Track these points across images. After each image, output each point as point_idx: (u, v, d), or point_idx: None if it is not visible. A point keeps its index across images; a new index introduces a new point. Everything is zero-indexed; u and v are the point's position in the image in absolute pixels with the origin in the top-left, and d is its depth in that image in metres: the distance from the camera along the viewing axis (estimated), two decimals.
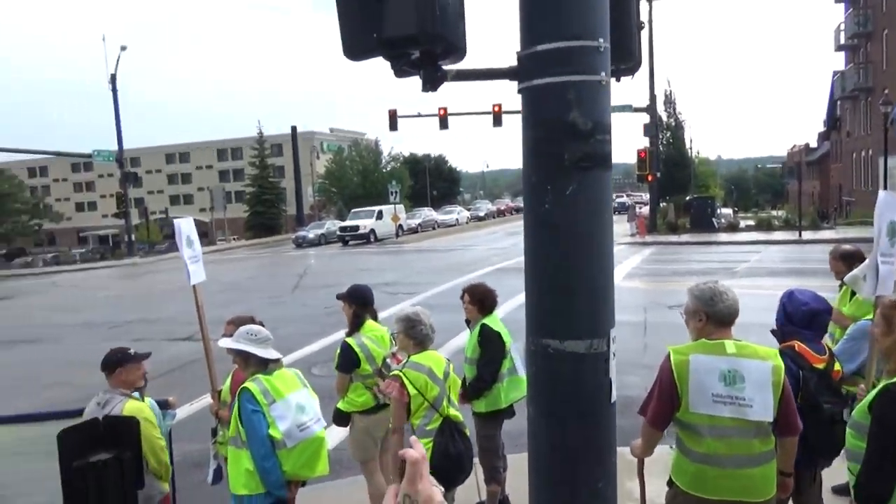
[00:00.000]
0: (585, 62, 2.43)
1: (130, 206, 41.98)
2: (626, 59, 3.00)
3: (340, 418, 4.99)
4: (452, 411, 4.09)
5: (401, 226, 40.26)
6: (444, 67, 2.59)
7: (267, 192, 63.46)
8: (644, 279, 16.46)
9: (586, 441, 2.40)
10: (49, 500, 4.66)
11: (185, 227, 4.97)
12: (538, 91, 2.46)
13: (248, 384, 3.63)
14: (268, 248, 44.06)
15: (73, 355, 12.16)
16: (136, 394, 4.09)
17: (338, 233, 39.60)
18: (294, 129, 62.57)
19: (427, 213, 49.48)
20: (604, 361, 2.37)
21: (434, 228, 46.20)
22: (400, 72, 2.65)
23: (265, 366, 3.71)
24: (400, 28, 2.38)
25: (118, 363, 4.04)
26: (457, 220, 50.75)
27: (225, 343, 3.80)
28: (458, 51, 2.57)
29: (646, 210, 36.49)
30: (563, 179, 2.39)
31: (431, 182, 78.28)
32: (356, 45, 2.52)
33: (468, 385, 4.80)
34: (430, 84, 2.63)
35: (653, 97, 32.55)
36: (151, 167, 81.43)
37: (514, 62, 2.61)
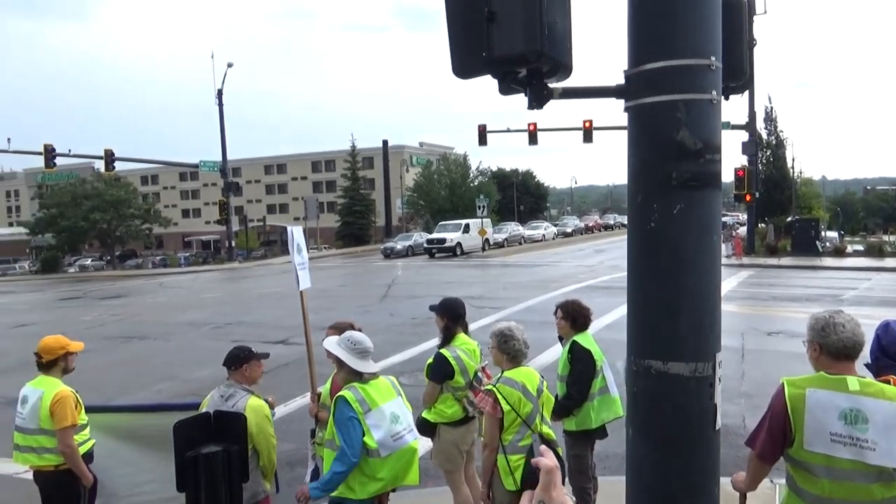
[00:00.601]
0: (696, 81, 2.40)
1: (231, 214, 44.18)
2: (736, 76, 2.94)
3: (426, 428, 5.04)
4: (545, 428, 4.07)
5: (487, 240, 40.34)
6: (551, 85, 2.62)
7: (357, 203, 65.22)
8: (741, 303, 15.74)
9: (688, 468, 2.34)
10: (165, 484, 5.00)
11: (297, 234, 5.20)
12: (646, 109, 2.45)
13: (344, 392, 3.73)
14: (357, 257, 45.22)
15: (180, 352, 12.94)
16: (254, 391, 4.30)
17: (425, 245, 40.13)
18: (385, 143, 64.13)
19: (514, 228, 49.34)
20: (709, 386, 2.31)
21: (520, 243, 46.01)
22: (506, 90, 2.70)
23: (358, 376, 3.79)
24: (508, 47, 2.43)
25: (245, 360, 4.25)
26: (543, 235, 50.32)
27: (328, 343, 3.91)
28: (565, 69, 2.60)
29: (743, 231, 34.93)
30: (669, 198, 2.37)
31: (518, 197, 78.04)
32: (466, 65, 2.59)
33: (557, 402, 4.76)
34: (537, 102, 2.67)
35: (752, 114, 31.22)
36: (251, 177, 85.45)
37: (619, 80, 2.61)
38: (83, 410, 4.60)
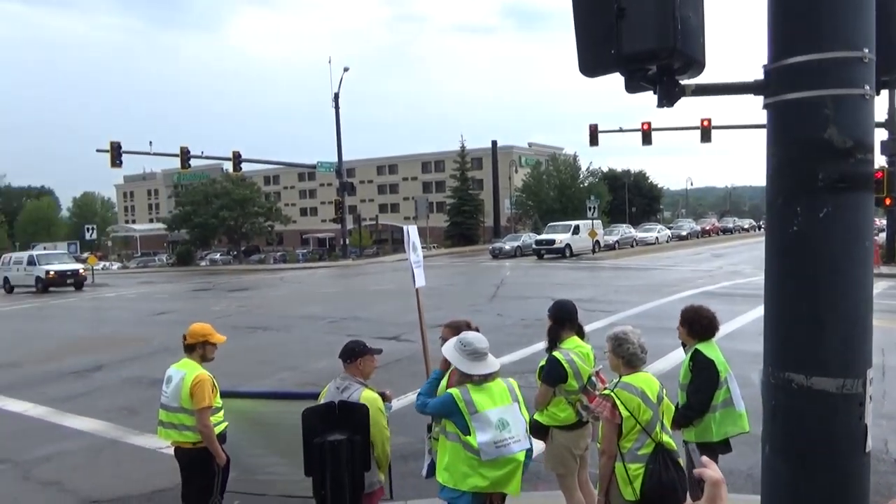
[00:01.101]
0: (846, 74, 2.24)
1: (346, 213, 45.88)
2: (891, 69, 2.70)
3: (538, 431, 5.00)
4: (666, 438, 3.93)
5: (597, 242, 39.45)
6: (682, 82, 2.53)
7: (466, 203, 65.82)
8: (881, 316, 14.38)
9: (832, 493, 2.17)
10: (293, 467, 5.28)
11: (413, 233, 5.32)
12: (789, 106, 2.31)
13: (452, 390, 3.79)
14: (465, 257, 45.60)
15: (300, 344, 13.61)
16: (368, 383, 4.47)
17: (533, 246, 39.84)
18: (494, 143, 64.25)
19: (625, 230, 47.96)
20: (858, 404, 2.14)
21: (632, 246, 44.65)
22: (634, 87, 2.63)
23: (469, 378, 3.81)
24: (639, 43, 2.36)
25: (359, 354, 4.40)
26: (657, 238, 48.57)
27: (444, 349, 4.01)
28: (698, 65, 2.50)
29: (882, 237, 32.06)
30: (815, 201, 2.22)
31: (630, 198, 75.74)
32: (593, 62, 2.55)
33: (677, 411, 4.58)
34: (667, 100, 2.58)
35: (892, 110, 28.56)
36: (364, 178, 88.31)
37: (756, 75, 2.47)
38: (219, 394, 4.94)
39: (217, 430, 4.83)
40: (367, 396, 4.17)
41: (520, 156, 78.78)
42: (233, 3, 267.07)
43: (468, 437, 3.67)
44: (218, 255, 64.41)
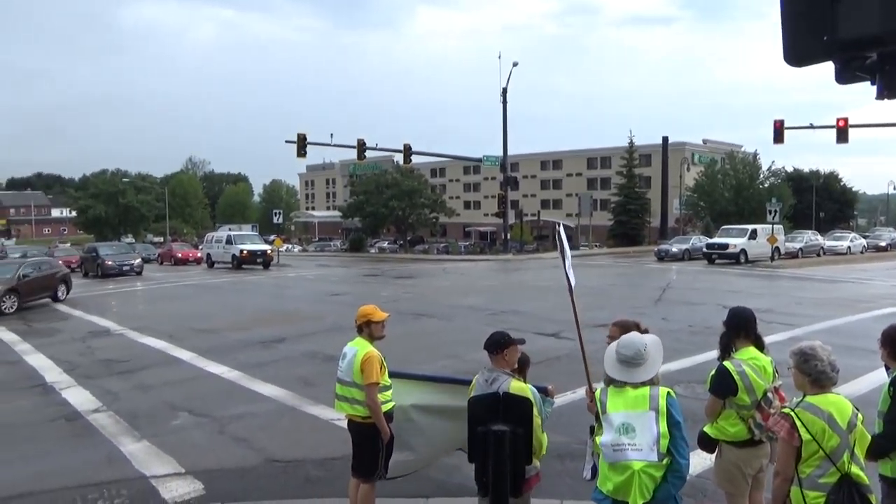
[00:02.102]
0: None
1: (508, 207, 46.18)
2: None
3: (706, 443, 4.73)
4: (855, 469, 3.54)
5: (777, 248, 36.30)
6: None
7: (632, 202, 63.44)
8: None
9: None
10: (452, 453, 5.47)
11: (563, 232, 5.27)
12: None
13: (598, 389, 3.90)
14: (628, 258, 44.10)
15: (461, 333, 14.00)
16: (515, 374, 4.51)
17: (704, 249, 37.55)
18: (665, 139, 61.25)
19: (811, 238, 43.67)
20: None
21: (818, 255, 40.55)
22: (849, 77, 2.41)
23: (612, 379, 3.81)
24: (860, 28, 2.16)
25: (505, 344, 4.47)
26: (848, 248, 43.65)
27: (609, 348, 3.98)
28: None
29: None
30: None
31: (819, 202, 68.87)
32: (801, 50, 2.36)
33: (872, 440, 4.12)
34: (889, 91, 2.35)
35: None
36: (528, 172, 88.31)
37: None
38: (387, 373, 5.22)
39: (385, 407, 5.11)
40: (516, 387, 4.19)
41: (693, 153, 74.47)
42: (413, 3, 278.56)
43: (597, 436, 3.76)
44: (386, 244, 67.79)
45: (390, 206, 61.03)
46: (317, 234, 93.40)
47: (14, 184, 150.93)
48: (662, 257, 39.64)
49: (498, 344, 4.47)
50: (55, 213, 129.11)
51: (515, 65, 44.47)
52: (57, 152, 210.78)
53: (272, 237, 53.07)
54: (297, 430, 8.03)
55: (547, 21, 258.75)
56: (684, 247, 40.71)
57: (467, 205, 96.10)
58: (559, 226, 5.18)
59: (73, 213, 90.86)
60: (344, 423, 5.51)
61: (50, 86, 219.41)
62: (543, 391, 4.93)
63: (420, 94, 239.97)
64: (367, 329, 5.25)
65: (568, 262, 5.04)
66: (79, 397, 9.66)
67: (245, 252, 36.39)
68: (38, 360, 12.36)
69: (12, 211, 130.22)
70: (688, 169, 64.59)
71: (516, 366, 4.58)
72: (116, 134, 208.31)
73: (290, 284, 27.47)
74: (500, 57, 62.36)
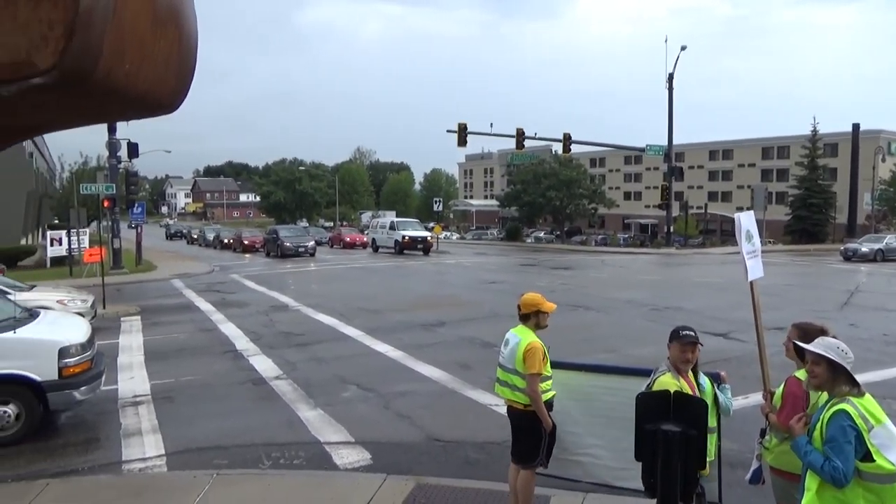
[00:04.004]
0: None
1: (672, 199, 44.02)
2: None
3: None
4: None
5: None
6: None
7: (814, 195, 57.71)
8: None
9: None
10: (609, 451, 5.42)
11: (746, 220, 4.91)
12: None
13: (843, 405, 3.27)
14: (808, 256, 40.32)
15: (620, 327, 13.69)
16: (673, 369, 4.35)
17: None
18: (856, 127, 55.02)
19: None
20: None
21: None
22: None
23: (855, 387, 3.33)
24: None
25: (671, 338, 4.38)
26: None
27: (817, 346, 3.45)
28: None
29: None
30: None
31: None
32: None
33: None
34: None
35: None
36: (694, 163, 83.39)
37: None
38: (549, 363, 5.27)
39: (545, 397, 5.15)
40: (663, 381, 4.02)
41: (889, 142, 66.14)
42: None
43: (870, 462, 3.14)
44: (542, 234, 67.47)
45: (548, 195, 60.51)
46: (474, 223, 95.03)
47: (210, 171, 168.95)
48: (850, 257, 35.75)
49: (670, 336, 4.42)
50: (242, 197, 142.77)
51: (683, 49, 42.20)
52: (245, 142, 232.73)
53: (432, 224, 54.83)
54: (456, 412, 8.32)
55: (718, 2, 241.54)
56: (877, 246, 36.40)
57: (627, 196, 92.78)
58: (740, 215, 4.84)
59: (257, 199, 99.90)
60: (502, 409, 5.64)
61: (240, 82, 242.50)
62: (716, 377, 4.75)
63: (580, 82, 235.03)
64: (536, 318, 5.30)
65: (751, 254, 4.76)
66: (263, 364, 10.71)
67: (407, 238, 38.01)
68: (230, 329, 13.84)
69: (208, 195, 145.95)
70: (882, 160, 57.50)
71: (679, 364, 4.43)
72: (295, 125, 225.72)
73: (449, 271, 28.28)
74: (666, 41, 59.22)
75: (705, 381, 4.50)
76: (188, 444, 7.27)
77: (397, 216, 55.96)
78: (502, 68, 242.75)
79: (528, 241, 62.56)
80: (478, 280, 23.87)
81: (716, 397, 4.54)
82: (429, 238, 39.41)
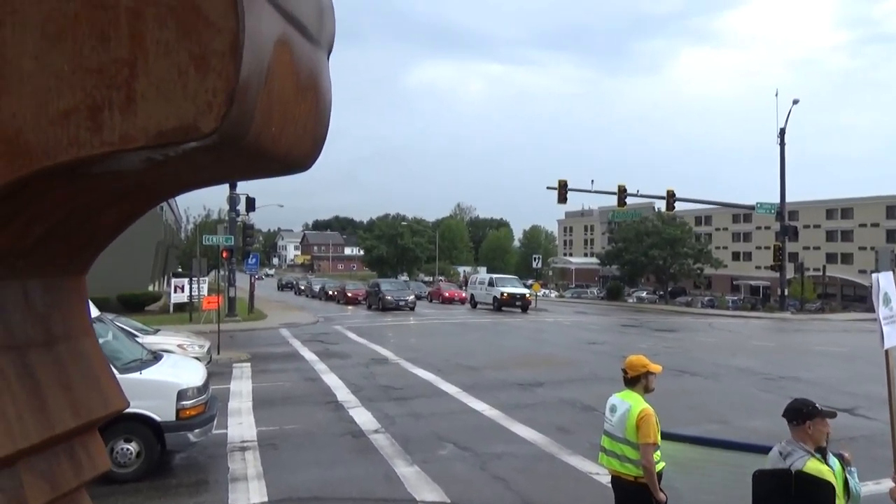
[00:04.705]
0: None
1: (785, 260, 41.57)
2: None
3: None
4: None
5: None
6: None
7: None
8: None
9: None
10: None
11: (885, 282, 4.54)
12: None
13: None
14: None
15: (730, 396, 12.86)
16: (817, 454, 3.98)
17: None
18: None
19: None
20: None
21: None
22: None
23: None
24: None
25: (809, 415, 3.94)
26: None
27: None
28: None
29: None
30: None
31: None
32: None
33: None
34: None
35: None
36: (809, 222, 78.69)
37: None
38: (659, 432, 5.00)
39: (657, 468, 4.88)
40: (813, 467, 3.67)
41: None
42: (674, 46, 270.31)
43: None
44: (645, 294, 65.35)
45: (650, 254, 58.86)
46: (573, 281, 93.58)
47: (318, 225, 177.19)
48: None
49: (799, 413, 3.96)
50: (347, 251, 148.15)
51: (796, 102, 40.43)
52: (352, 197, 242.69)
53: (530, 282, 54.50)
54: (554, 478, 8.02)
55: (833, 54, 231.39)
56: None
57: (736, 256, 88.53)
58: (878, 276, 4.46)
59: (361, 252, 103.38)
60: (603, 477, 5.40)
61: (349, 140, 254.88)
62: (839, 458, 4.32)
63: (684, 138, 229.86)
64: (645, 381, 5.08)
65: (889, 320, 4.37)
66: (362, 417, 10.84)
67: (505, 295, 37.88)
68: (332, 380, 14.17)
69: (315, 248, 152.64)
70: None
71: (823, 443, 4.00)
72: (399, 181, 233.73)
73: (548, 329, 27.82)
74: (777, 95, 57.14)
75: (834, 461, 4.11)
76: (290, 493, 7.41)
77: (496, 272, 55.99)
78: (603, 124, 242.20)
79: (630, 300, 60.72)
80: (577, 340, 23.30)
81: (846, 481, 4.13)
82: (527, 295, 39.09)
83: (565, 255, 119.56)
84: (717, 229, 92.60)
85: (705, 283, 71.63)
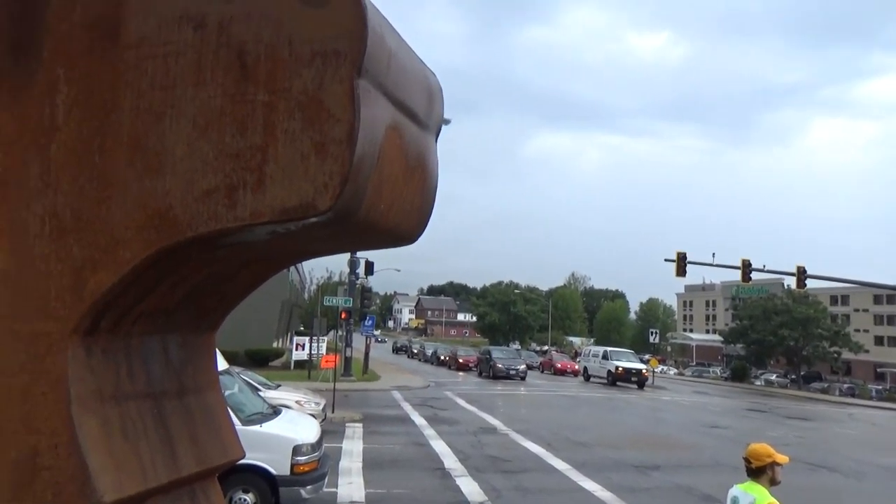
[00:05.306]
0: None
1: None
2: None
3: None
4: None
5: None
6: None
7: None
8: None
9: None
10: None
11: None
12: None
13: None
14: None
15: (876, 499, 11.53)
16: None
17: None
18: None
19: None
20: None
21: None
22: None
23: None
24: None
25: None
26: None
27: None
28: None
29: None
30: None
31: None
32: None
33: None
34: None
35: None
36: None
37: None
38: None
39: None
40: None
41: None
42: (807, 116, 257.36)
43: None
44: (774, 376, 60.58)
45: (780, 334, 54.82)
46: (694, 358, 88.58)
47: (432, 290, 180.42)
48: None
49: None
50: (460, 316, 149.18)
51: None
52: (466, 263, 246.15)
53: (647, 356, 52.23)
54: None
55: None
56: None
57: (879, 340, 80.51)
58: None
59: (473, 318, 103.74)
60: None
61: (464, 207, 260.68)
62: None
63: (815, 211, 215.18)
64: (770, 472, 4.70)
65: None
66: (469, 487, 10.65)
67: (620, 369, 36.46)
68: (440, 447, 14.10)
69: (429, 313, 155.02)
70: None
71: None
72: (512, 249, 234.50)
73: (665, 408, 26.34)
74: None
75: None
76: None
77: (610, 345, 54.17)
78: (726, 196, 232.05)
79: (757, 383, 56.45)
80: (697, 422, 21.85)
81: None
82: (644, 371, 37.38)
83: (685, 330, 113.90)
84: (856, 310, 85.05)
85: (843, 368, 65.43)
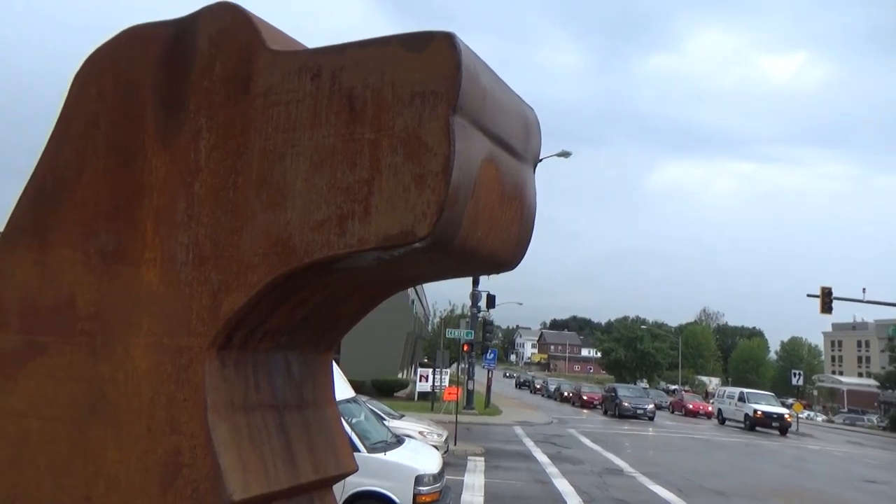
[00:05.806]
0: None
1: None
2: None
3: None
4: None
5: None
6: None
7: None
8: None
9: None
10: None
11: None
12: None
13: None
14: None
15: None
16: None
17: None
18: None
19: None
20: None
21: None
22: None
23: None
24: None
25: None
26: None
27: None
28: None
29: None
30: None
31: None
32: None
33: None
34: None
35: None
36: None
37: None
38: None
39: None
40: None
41: None
42: None
43: None
44: None
45: None
46: (845, 404, 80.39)
47: (555, 324, 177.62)
48: None
49: None
50: (584, 352, 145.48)
51: None
52: (589, 298, 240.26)
53: (790, 401, 48.17)
54: None
55: None
56: None
57: None
58: None
59: (598, 354, 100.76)
60: None
61: (587, 241, 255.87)
62: None
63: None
64: None
65: None
66: None
67: (759, 413, 33.84)
68: (563, 486, 13.74)
69: (552, 347, 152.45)
70: None
71: None
72: (638, 283, 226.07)
73: (812, 458, 24.08)
74: None
75: None
76: None
77: (747, 386, 50.50)
78: (876, 225, 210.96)
79: None
80: (851, 475, 19.78)
81: None
82: (786, 416, 34.44)
83: (833, 372, 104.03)
84: None
85: None
